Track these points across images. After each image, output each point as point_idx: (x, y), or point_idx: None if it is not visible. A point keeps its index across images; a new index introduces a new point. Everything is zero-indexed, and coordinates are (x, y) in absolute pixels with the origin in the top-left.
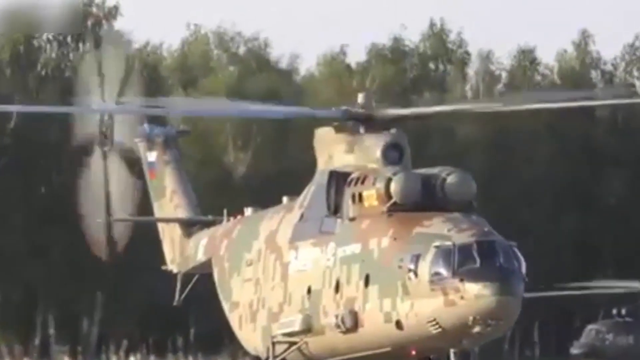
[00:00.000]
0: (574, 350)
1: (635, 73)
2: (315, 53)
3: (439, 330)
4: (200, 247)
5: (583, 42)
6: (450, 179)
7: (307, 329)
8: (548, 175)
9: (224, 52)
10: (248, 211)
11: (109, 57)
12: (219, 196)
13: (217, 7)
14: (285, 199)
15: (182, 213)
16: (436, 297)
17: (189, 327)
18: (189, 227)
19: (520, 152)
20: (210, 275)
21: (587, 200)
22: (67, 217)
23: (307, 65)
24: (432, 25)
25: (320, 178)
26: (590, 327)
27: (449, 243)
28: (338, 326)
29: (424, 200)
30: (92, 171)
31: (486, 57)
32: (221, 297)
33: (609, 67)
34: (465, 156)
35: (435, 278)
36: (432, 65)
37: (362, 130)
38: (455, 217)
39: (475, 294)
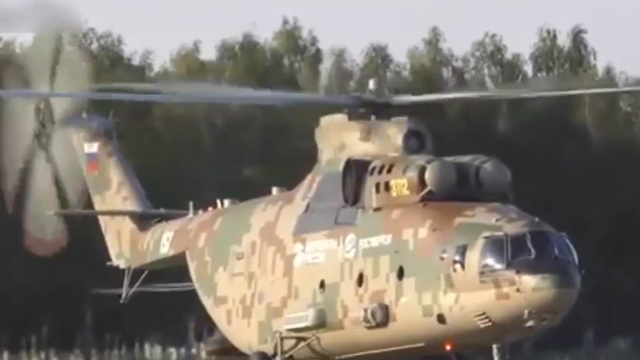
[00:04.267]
0: (207, 347)
1: (486, 70)
2: (168, 49)
3: (488, 324)
4: (163, 240)
5: (434, 40)
6: (485, 168)
7: (320, 324)
8: None
9: (77, 48)
10: (226, 203)
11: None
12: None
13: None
14: (274, 190)
15: (132, 205)
16: (486, 290)
17: (41, 325)
18: (143, 220)
19: None
20: (160, 271)
21: None
22: None
23: (161, 61)
24: (284, 22)
25: (329, 167)
26: None
27: (500, 234)
28: (367, 320)
29: (459, 190)
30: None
31: (339, 55)
32: (201, 292)
33: (459, 64)
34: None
35: (486, 270)
36: (285, 62)
37: (373, 117)
38: (499, 207)
39: (533, 287)
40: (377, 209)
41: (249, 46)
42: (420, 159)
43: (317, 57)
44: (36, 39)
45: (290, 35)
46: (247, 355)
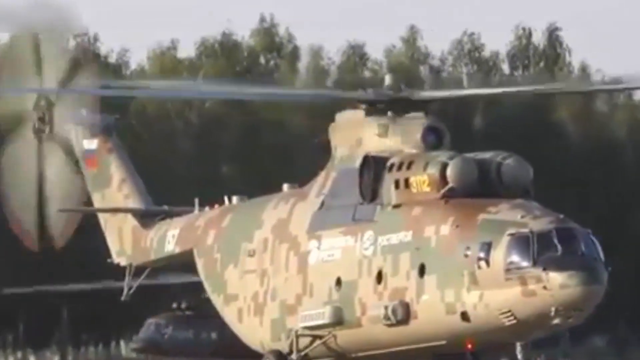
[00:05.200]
0: (133, 345)
1: (464, 68)
2: (145, 47)
3: (514, 321)
4: (168, 238)
5: (411, 38)
6: (507, 164)
7: (337, 322)
8: None
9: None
10: (234, 200)
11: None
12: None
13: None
14: (285, 187)
15: (135, 203)
16: (512, 287)
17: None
18: (146, 217)
19: None
20: (159, 269)
21: None
22: None
23: (137, 59)
24: (261, 20)
25: (344, 163)
26: (149, 320)
27: (525, 230)
28: (387, 318)
29: (481, 186)
30: (22, 158)
31: (316, 53)
32: (210, 290)
33: (437, 62)
34: (297, 148)
35: (512, 267)
36: (262, 60)
37: (389, 113)
38: (523, 204)
39: (561, 284)
40: (397, 206)
41: (228, 44)
42: (441, 155)
43: (294, 54)
44: (19, 37)
45: (267, 33)
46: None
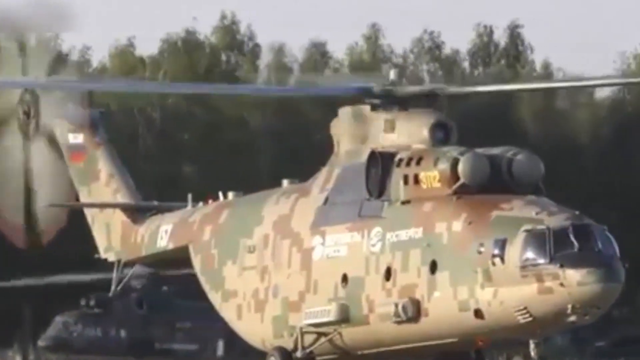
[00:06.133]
0: (41, 343)
1: (425, 66)
2: (107, 44)
3: (529, 319)
4: (161, 233)
5: (373, 36)
6: (518, 160)
7: (343, 319)
8: None
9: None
10: (230, 195)
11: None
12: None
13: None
14: (285, 182)
15: (124, 198)
16: (528, 284)
17: None
18: (136, 213)
19: None
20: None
21: None
22: None
23: (99, 56)
24: (222, 17)
25: (349, 159)
26: (58, 318)
27: (542, 227)
28: (397, 315)
29: (492, 182)
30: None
31: (278, 50)
32: (207, 286)
33: (399, 60)
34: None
35: (528, 264)
36: (223, 57)
37: (395, 109)
38: (536, 200)
39: (578, 281)
40: (406, 202)
41: (191, 41)
42: (452, 151)
43: (255, 52)
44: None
45: (229, 31)
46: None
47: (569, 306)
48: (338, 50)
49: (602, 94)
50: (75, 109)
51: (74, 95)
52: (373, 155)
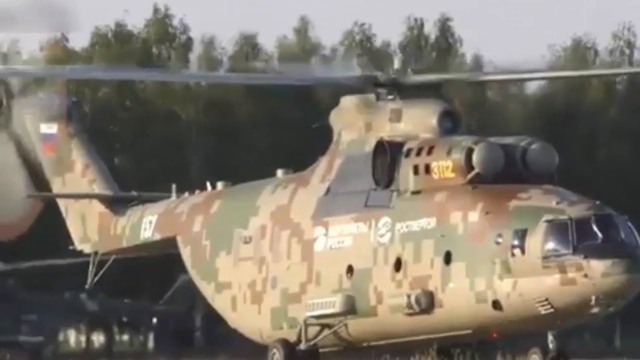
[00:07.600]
0: None
1: (355, 59)
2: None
3: (550, 310)
4: (144, 224)
5: (303, 28)
6: (533, 149)
7: (349, 311)
8: None
9: None
10: (219, 186)
11: None
12: None
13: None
14: (279, 172)
15: (101, 188)
16: (550, 276)
17: None
18: (115, 203)
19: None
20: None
21: None
22: None
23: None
24: (155, 10)
25: (352, 148)
26: None
27: (564, 217)
28: (410, 307)
29: (506, 172)
30: None
31: (208, 43)
32: (198, 277)
33: (328, 53)
34: (189, 141)
35: (550, 255)
36: (155, 50)
37: (397, 97)
38: (554, 190)
39: (602, 272)
40: (416, 192)
41: (122, 34)
42: (465, 140)
43: (187, 45)
44: None
45: (161, 24)
46: None
47: (593, 297)
48: (268, 43)
49: (533, 86)
50: (50, 98)
51: (48, 85)
52: (380, 144)
